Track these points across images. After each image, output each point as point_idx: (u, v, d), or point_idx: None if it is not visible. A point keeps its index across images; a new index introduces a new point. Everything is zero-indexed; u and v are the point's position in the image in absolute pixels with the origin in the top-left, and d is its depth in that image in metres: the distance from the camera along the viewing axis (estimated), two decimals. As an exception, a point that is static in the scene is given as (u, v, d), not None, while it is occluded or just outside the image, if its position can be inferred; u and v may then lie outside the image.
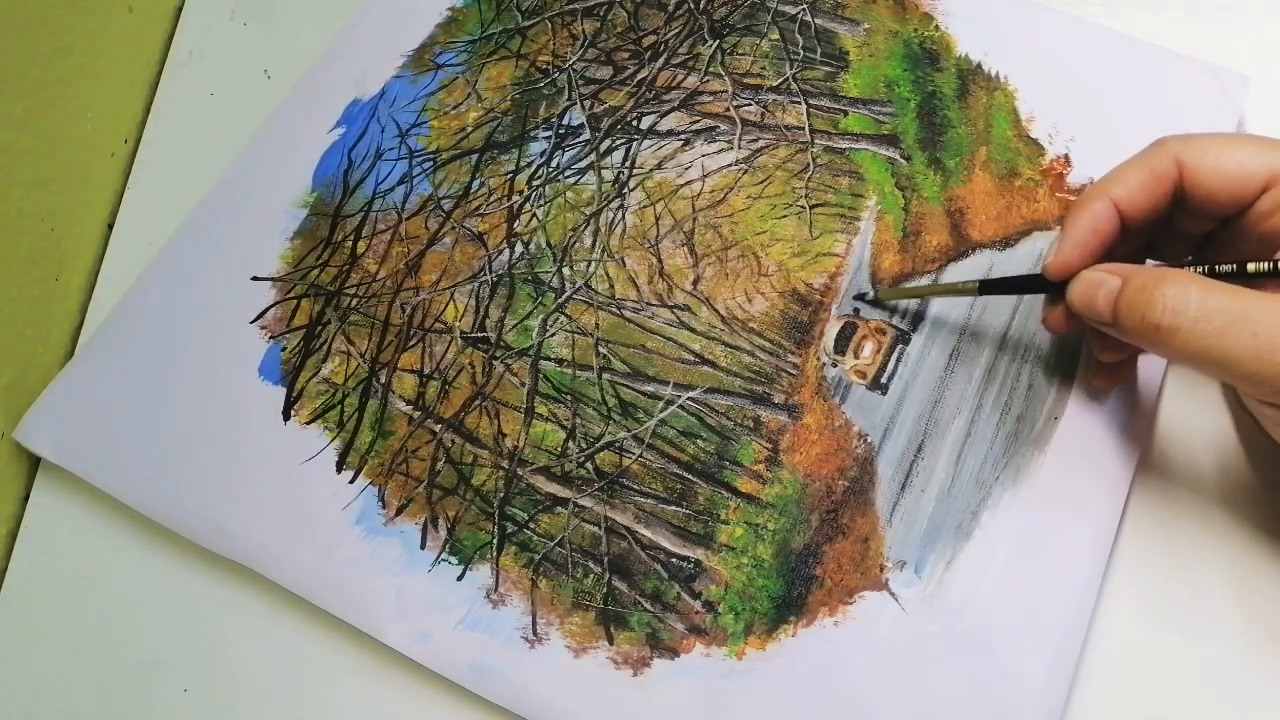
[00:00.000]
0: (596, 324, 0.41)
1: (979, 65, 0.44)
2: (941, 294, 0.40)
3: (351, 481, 0.38)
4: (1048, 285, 0.34)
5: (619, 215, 0.43)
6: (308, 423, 0.40)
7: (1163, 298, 0.29)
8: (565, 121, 0.45)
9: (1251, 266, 0.31)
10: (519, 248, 0.43)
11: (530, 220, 0.43)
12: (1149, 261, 0.37)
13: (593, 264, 0.42)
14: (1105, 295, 0.31)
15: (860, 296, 0.40)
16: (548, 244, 0.43)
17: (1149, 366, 0.38)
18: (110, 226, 0.47)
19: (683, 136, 0.44)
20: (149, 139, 0.49)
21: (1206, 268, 0.31)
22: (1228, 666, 0.35)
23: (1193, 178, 0.32)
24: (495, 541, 0.37)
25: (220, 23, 0.51)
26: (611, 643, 0.35)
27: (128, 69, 0.49)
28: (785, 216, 0.42)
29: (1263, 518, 0.36)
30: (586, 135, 0.45)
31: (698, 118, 0.45)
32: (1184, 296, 0.29)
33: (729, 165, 0.43)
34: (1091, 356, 0.37)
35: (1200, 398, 0.38)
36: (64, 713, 0.38)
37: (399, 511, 0.38)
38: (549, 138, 0.45)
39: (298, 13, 0.51)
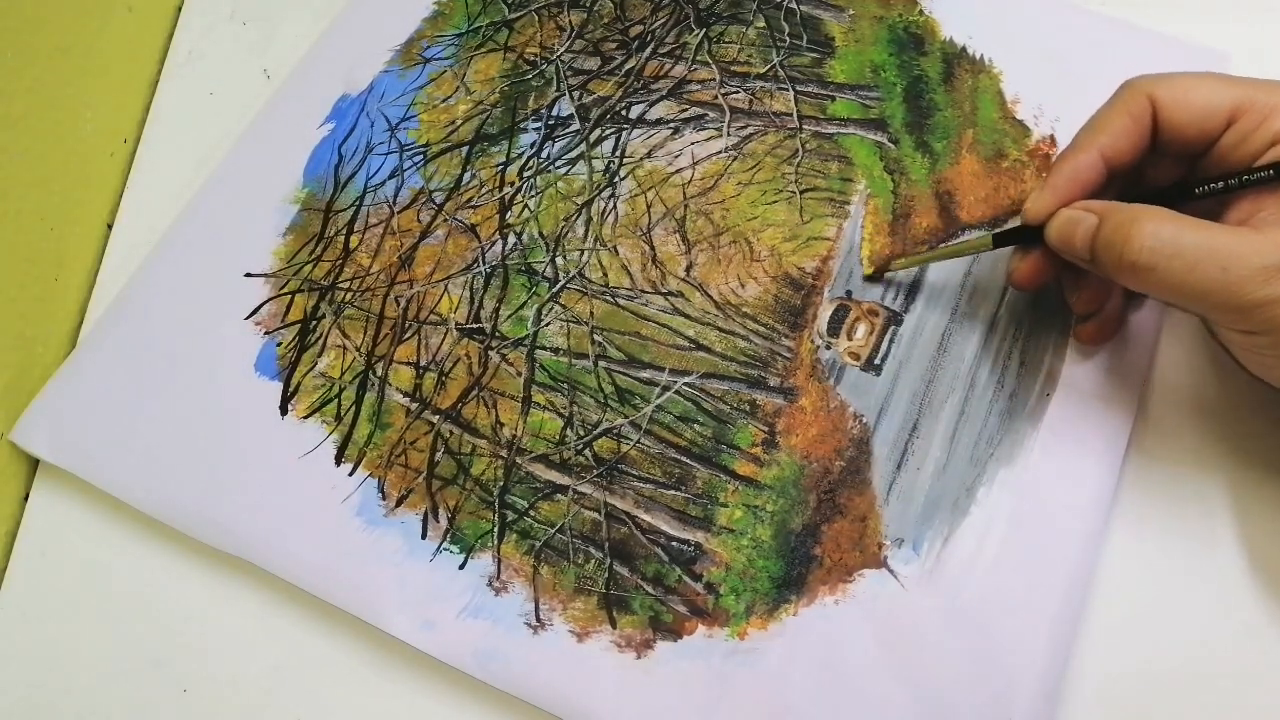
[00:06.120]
0: (591, 312, 0.41)
1: (964, 48, 0.45)
2: (953, 256, 0.40)
3: (351, 474, 0.39)
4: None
5: (610, 204, 0.43)
6: (305, 417, 0.40)
7: (1139, 235, 0.30)
8: (554, 112, 0.45)
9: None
10: (512, 238, 0.43)
11: (522, 211, 0.43)
12: None
13: (586, 253, 0.42)
14: (1083, 233, 0.32)
15: (877, 273, 0.40)
16: (540, 234, 0.43)
17: (1138, 341, 0.38)
18: (110, 226, 0.47)
19: (672, 125, 0.45)
20: (148, 139, 0.49)
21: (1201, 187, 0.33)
22: (1226, 635, 0.35)
23: (1165, 115, 0.33)
24: (496, 530, 0.37)
25: (220, 23, 0.51)
26: (614, 626, 0.36)
27: (127, 69, 0.49)
28: (776, 202, 0.43)
29: (1260, 486, 0.37)
30: (576, 125, 0.45)
31: (686, 106, 0.45)
32: (1158, 235, 0.30)
33: (719, 152, 0.44)
34: (1073, 323, 0.38)
35: (1191, 369, 0.39)
36: (64, 713, 0.38)
37: (399, 502, 0.38)
38: (539, 129, 0.45)
39: (298, 13, 0.51)
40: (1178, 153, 0.34)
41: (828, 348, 0.40)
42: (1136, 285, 0.32)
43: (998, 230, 0.37)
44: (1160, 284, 0.31)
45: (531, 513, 0.38)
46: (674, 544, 0.37)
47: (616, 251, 0.42)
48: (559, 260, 0.42)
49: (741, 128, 0.44)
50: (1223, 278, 0.29)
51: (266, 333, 0.42)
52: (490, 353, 0.41)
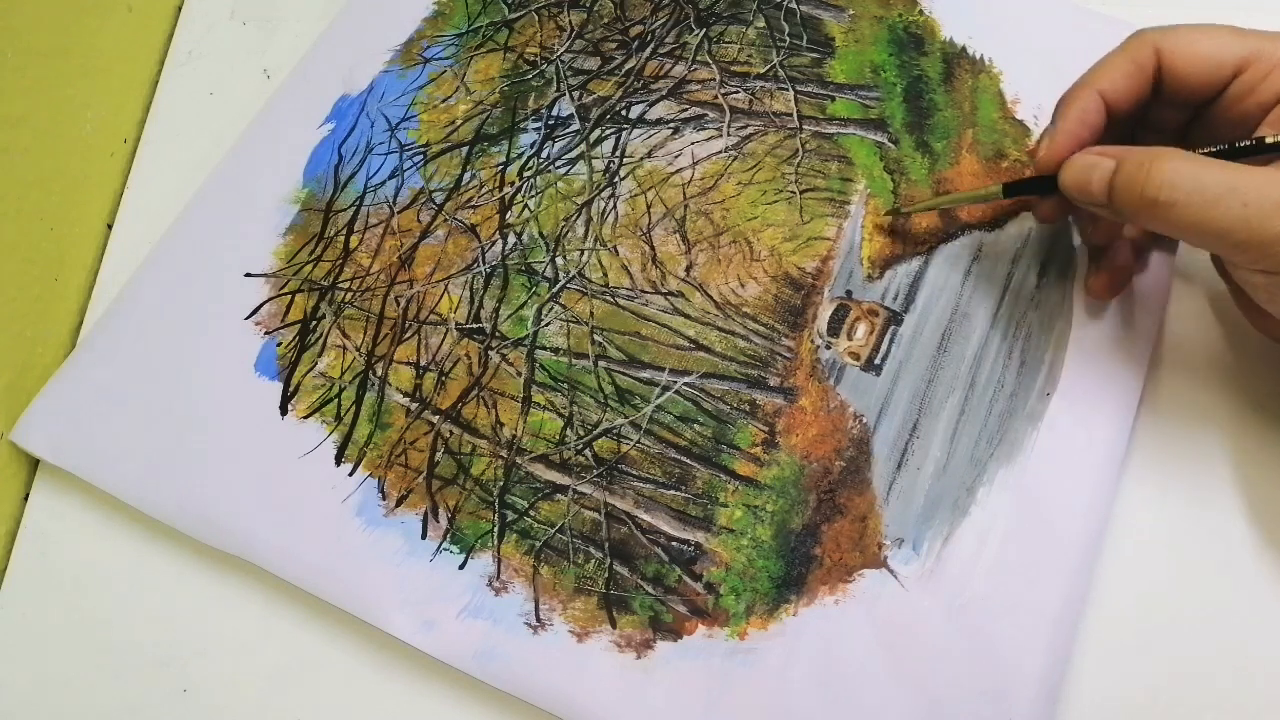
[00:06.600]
0: (591, 312, 0.41)
1: (964, 49, 0.45)
2: (965, 202, 0.41)
3: (351, 474, 0.39)
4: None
5: (610, 204, 0.43)
6: (305, 417, 0.40)
7: (1160, 172, 0.31)
8: (554, 112, 0.45)
9: (1242, 144, 0.32)
10: (511, 238, 0.43)
11: (522, 211, 0.43)
12: None
13: (586, 253, 0.42)
14: (1099, 177, 0.33)
15: (893, 211, 0.41)
16: (540, 234, 0.43)
17: (1137, 341, 0.38)
18: (110, 226, 0.47)
19: (672, 125, 0.45)
20: (148, 139, 0.49)
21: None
22: (1230, 633, 0.35)
23: (1170, 64, 0.33)
24: (496, 530, 0.37)
25: (220, 22, 0.51)
26: (614, 626, 0.36)
27: (127, 69, 0.49)
28: (776, 202, 0.43)
29: (1268, 484, 0.37)
30: (576, 125, 0.45)
31: (686, 106, 0.45)
32: (1179, 171, 0.30)
33: (719, 152, 0.44)
34: (1084, 276, 0.39)
35: (1192, 371, 0.39)
36: (64, 712, 0.38)
37: (399, 502, 0.38)
38: (539, 129, 0.45)
39: (298, 13, 0.51)
40: (1184, 101, 0.34)
41: (828, 347, 0.40)
42: (1156, 224, 0.32)
43: (1009, 181, 0.37)
44: (1180, 221, 0.31)
45: (531, 513, 0.38)
46: (674, 544, 0.37)
47: (616, 251, 0.42)
48: (559, 260, 0.42)
49: (741, 128, 0.44)
50: (1244, 213, 0.29)
51: (266, 333, 0.42)
52: (490, 353, 0.41)
